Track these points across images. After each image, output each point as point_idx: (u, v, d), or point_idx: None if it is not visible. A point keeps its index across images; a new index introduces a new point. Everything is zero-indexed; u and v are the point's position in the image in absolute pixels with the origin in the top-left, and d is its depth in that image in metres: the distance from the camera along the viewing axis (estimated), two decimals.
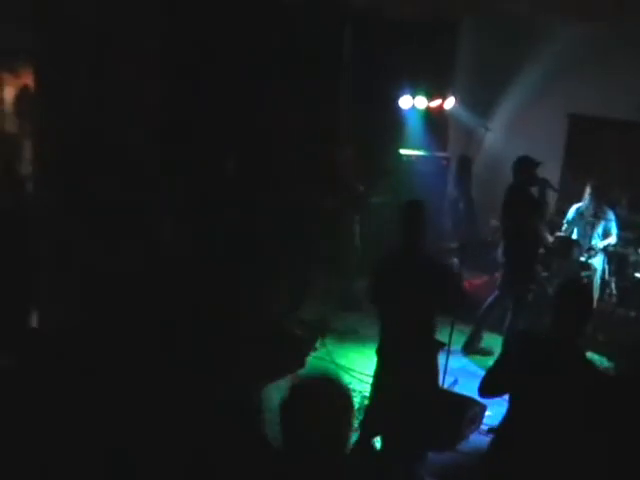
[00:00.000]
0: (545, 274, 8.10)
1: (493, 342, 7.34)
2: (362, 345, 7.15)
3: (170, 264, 5.98)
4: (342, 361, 6.96)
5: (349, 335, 7.56)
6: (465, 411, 5.56)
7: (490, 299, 7.34)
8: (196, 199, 6.85)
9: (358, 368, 6.66)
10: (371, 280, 5.02)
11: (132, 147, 6.37)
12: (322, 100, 8.53)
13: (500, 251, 7.51)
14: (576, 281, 5.21)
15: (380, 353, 4.81)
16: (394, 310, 4.63)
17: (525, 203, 6.97)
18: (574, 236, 8.31)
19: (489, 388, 3.68)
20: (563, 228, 8.39)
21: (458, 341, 6.83)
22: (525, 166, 6.99)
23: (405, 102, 8.90)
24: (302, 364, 6.76)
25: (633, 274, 7.91)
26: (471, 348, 7.27)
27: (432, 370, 4.76)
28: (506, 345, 3.74)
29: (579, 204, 8.27)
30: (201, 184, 7.00)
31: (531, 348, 3.55)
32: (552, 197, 8.50)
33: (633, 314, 7.51)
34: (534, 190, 7.02)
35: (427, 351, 4.67)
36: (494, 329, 7.41)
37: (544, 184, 7.00)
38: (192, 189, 6.88)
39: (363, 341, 7.21)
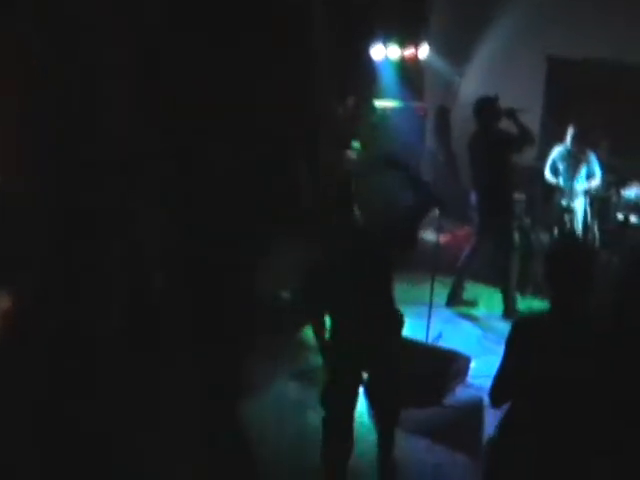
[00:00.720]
0: (528, 221, 8.03)
1: (477, 292, 7.30)
2: None
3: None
4: None
5: None
6: (449, 365, 5.51)
7: (468, 247, 7.24)
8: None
9: None
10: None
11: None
12: (293, 59, 8.34)
13: (473, 197, 7.38)
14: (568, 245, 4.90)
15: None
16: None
17: (495, 142, 6.80)
18: (557, 180, 8.21)
19: (502, 395, 3.21)
20: (546, 171, 8.28)
21: (441, 295, 6.74)
22: (483, 106, 6.82)
23: (377, 52, 8.67)
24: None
25: (615, 216, 7.83)
26: (454, 300, 7.18)
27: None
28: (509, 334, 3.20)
29: (561, 147, 8.16)
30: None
31: (535, 333, 3.14)
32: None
33: (615, 257, 7.43)
34: (509, 125, 6.86)
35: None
36: (477, 278, 7.32)
37: (512, 113, 6.82)
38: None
39: None
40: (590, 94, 9.43)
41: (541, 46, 9.41)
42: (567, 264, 3.09)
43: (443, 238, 7.39)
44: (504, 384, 3.15)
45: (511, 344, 3.12)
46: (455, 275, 7.20)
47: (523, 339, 3.11)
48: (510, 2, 9.33)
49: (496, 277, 7.10)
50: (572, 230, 7.88)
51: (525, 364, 3.05)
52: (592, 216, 8.02)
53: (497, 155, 6.81)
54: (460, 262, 7.17)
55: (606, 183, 8.12)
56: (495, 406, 3.25)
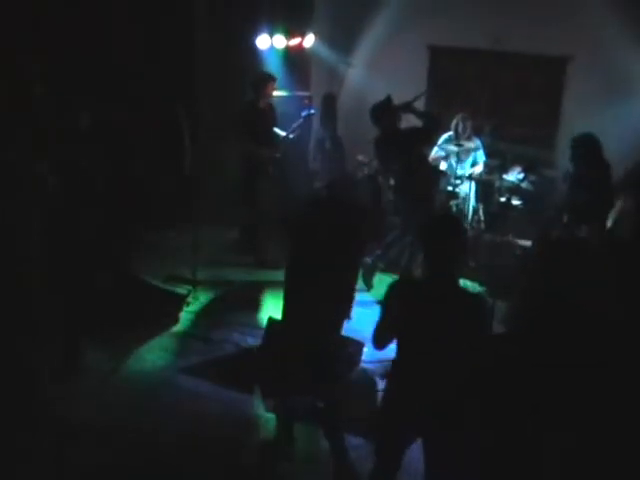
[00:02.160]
0: None
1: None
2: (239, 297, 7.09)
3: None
4: (217, 314, 6.78)
5: (222, 286, 7.36)
6: (342, 351, 5.50)
7: (389, 238, 7.30)
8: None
9: (236, 320, 6.56)
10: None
11: None
12: (177, 49, 8.18)
13: (391, 194, 7.50)
14: (445, 216, 5.20)
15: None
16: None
17: (404, 140, 6.92)
18: (443, 166, 8.38)
19: (380, 340, 3.69)
20: (431, 157, 8.42)
21: None
22: (380, 111, 6.93)
23: (263, 42, 8.57)
24: (176, 320, 6.58)
25: (498, 199, 8.06)
26: (367, 284, 7.28)
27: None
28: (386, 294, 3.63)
29: (447, 134, 8.32)
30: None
31: (408, 292, 3.64)
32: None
33: (499, 239, 7.66)
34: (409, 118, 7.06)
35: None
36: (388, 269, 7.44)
37: (408, 105, 6.94)
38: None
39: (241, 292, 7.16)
40: (471, 81, 9.69)
41: (422, 35, 9.57)
42: (439, 235, 3.50)
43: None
44: (381, 330, 3.66)
45: (386, 301, 3.63)
46: (371, 261, 7.27)
47: (395, 298, 3.61)
48: None
49: (401, 266, 7.24)
50: (459, 214, 8.06)
51: (395, 318, 3.58)
52: (477, 200, 8.23)
53: (409, 153, 6.94)
54: (380, 251, 7.27)
55: (490, 167, 8.35)
56: (377, 348, 3.74)
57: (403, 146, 6.87)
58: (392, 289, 3.66)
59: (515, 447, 2.96)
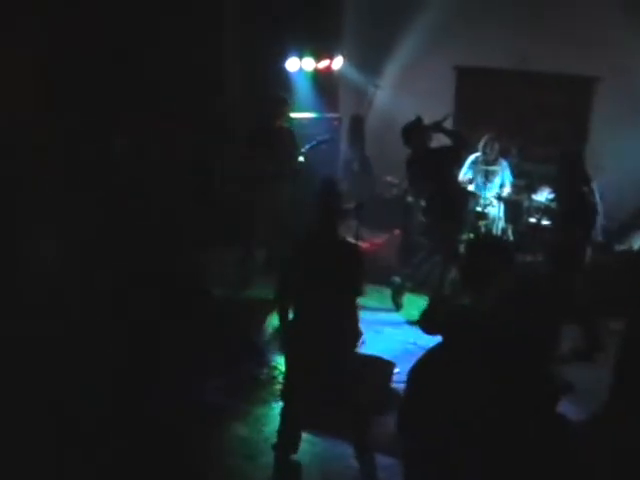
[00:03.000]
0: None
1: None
2: None
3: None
4: None
5: None
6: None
7: (418, 258, 7.34)
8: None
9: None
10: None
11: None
12: (208, 68, 8.29)
13: (421, 214, 7.51)
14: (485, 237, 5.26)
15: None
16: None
17: (436, 160, 6.98)
18: (471, 187, 8.40)
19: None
20: (460, 179, 8.46)
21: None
22: (411, 131, 6.99)
23: (292, 64, 8.69)
24: None
25: (527, 219, 8.07)
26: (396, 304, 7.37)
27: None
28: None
29: (475, 155, 8.35)
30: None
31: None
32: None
33: (529, 258, 7.66)
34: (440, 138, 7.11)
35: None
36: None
37: (438, 125, 6.99)
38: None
39: None
40: (497, 101, 9.73)
41: (449, 57, 9.65)
42: (481, 255, 3.48)
43: (361, 245, 7.44)
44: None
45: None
46: (402, 280, 7.33)
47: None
48: (419, 15, 9.53)
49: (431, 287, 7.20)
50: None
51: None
52: (506, 220, 8.23)
53: (440, 173, 7.00)
54: (410, 271, 7.34)
55: (517, 188, 8.36)
56: (426, 332, 3.76)
57: (434, 166, 6.92)
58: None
59: None
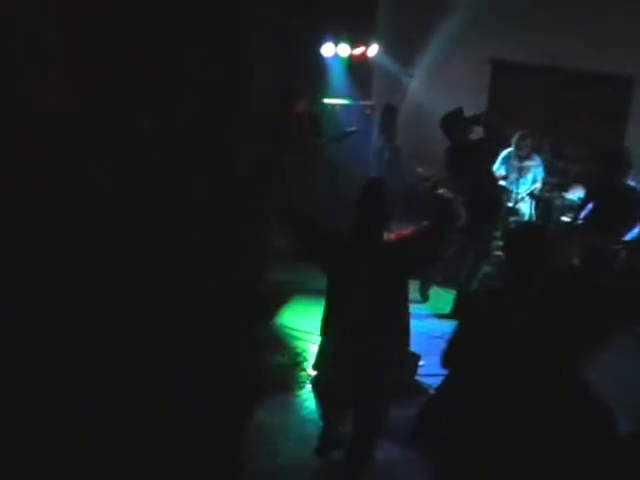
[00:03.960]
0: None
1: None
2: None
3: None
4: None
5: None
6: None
7: (450, 253, 7.24)
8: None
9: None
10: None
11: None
12: (241, 52, 8.23)
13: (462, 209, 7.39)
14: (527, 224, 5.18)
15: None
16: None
17: (474, 152, 6.86)
18: (504, 183, 8.31)
19: (451, 360, 3.36)
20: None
21: None
22: (452, 121, 6.84)
23: (327, 50, 8.63)
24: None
25: (559, 217, 7.96)
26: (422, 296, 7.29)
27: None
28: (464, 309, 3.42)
29: (509, 149, 8.25)
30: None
31: (489, 305, 3.41)
32: None
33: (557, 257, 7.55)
34: (478, 131, 6.98)
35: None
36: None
37: (477, 118, 6.88)
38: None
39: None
40: (533, 97, 9.61)
41: (485, 49, 9.54)
42: (523, 242, 3.44)
43: (390, 237, 7.38)
44: (452, 349, 3.30)
45: (460, 313, 3.42)
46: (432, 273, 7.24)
47: (472, 309, 3.43)
48: (457, 5, 9.42)
49: (459, 281, 7.09)
50: None
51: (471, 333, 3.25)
52: (537, 218, 8.14)
53: (478, 166, 6.91)
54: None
55: (549, 185, 8.25)
56: (446, 367, 3.34)
57: (474, 160, 6.83)
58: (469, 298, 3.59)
59: None
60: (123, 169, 6.39)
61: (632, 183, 6.39)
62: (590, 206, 6.51)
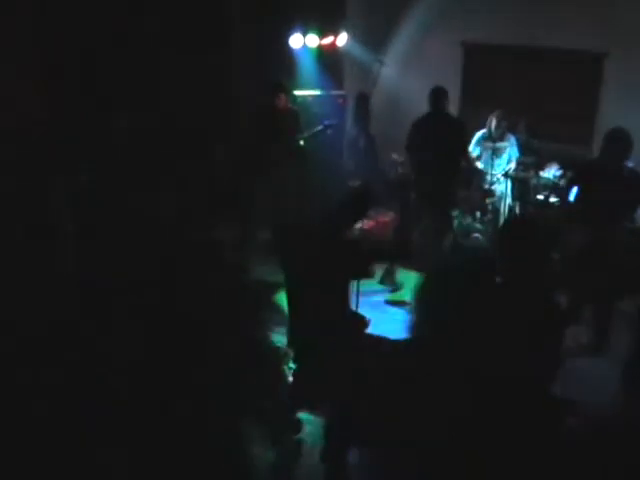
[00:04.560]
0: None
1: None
2: None
3: None
4: None
5: None
6: None
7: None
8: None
9: None
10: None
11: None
12: (210, 47, 8.19)
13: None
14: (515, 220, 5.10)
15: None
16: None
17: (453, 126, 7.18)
18: (480, 164, 8.32)
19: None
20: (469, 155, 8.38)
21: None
22: (441, 93, 7.18)
23: (296, 41, 8.58)
24: None
25: (535, 197, 7.98)
26: (387, 279, 7.29)
27: None
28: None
29: (483, 130, 8.25)
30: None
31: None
32: None
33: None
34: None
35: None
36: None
37: None
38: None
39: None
40: (505, 78, 9.62)
41: (456, 32, 9.53)
42: (518, 236, 3.38)
43: (367, 224, 7.37)
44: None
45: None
46: None
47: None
48: None
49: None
50: (495, 212, 8.00)
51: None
52: (513, 198, 8.14)
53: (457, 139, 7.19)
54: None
55: (525, 165, 8.26)
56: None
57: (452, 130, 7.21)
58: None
59: None
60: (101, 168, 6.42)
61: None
62: (578, 189, 6.29)
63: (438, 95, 7.21)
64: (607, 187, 5.73)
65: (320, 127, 7.80)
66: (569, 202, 6.36)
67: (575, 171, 6.48)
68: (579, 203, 6.13)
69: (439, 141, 7.06)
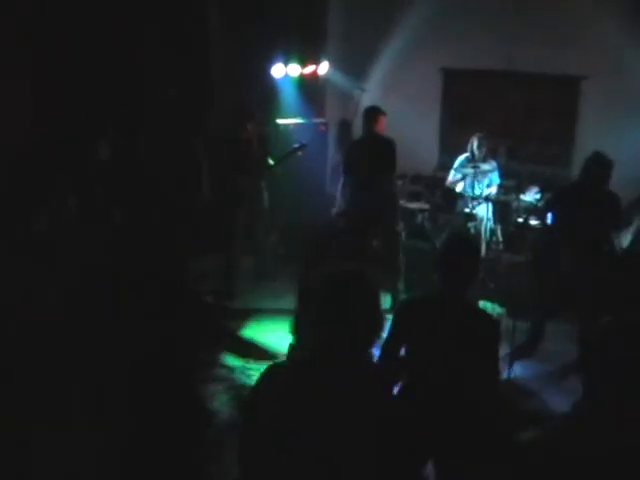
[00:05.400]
0: (431, 228, 8.21)
1: None
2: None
3: None
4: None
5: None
6: None
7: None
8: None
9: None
10: None
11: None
12: (192, 75, 8.27)
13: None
14: (460, 236, 5.16)
15: None
16: None
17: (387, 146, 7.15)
18: (460, 188, 8.41)
19: (387, 358, 3.52)
20: (449, 180, 8.48)
21: None
22: (378, 113, 7.19)
23: (277, 71, 8.69)
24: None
25: (516, 219, 8.07)
26: None
27: None
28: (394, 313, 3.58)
29: (464, 155, 8.34)
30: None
31: (418, 312, 3.56)
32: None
33: (519, 258, 7.66)
34: None
35: None
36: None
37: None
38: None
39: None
40: (485, 102, 9.76)
41: (435, 58, 9.68)
42: (456, 254, 3.48)
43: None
44: (388, 349, 3.51)
45: (395, 319, 3.52)
46: None
47: (404, 317, 3.54)
48: (404, 18, 9.56)
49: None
50: (477, 235, 8.08)
51: (404, 338, 3.50)
52: (495, 221, 8.23)
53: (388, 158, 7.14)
54: None
55: (506, 188, 8.36)
56: (383, 364, 3.49)
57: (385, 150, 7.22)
58: (404, 306, 3.71)
59: None
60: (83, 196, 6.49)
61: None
62: (557, 211, 6.30)
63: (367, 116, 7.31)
64: (587, 209, 5.79)
65: (291, 149, 7.70)
66: (547, 225, 6.47)
67: (555, 194, 6.56)
68: (559, 225, 6.21)
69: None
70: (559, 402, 5.21)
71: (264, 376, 2.51)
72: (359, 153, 7.25)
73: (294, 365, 2.69)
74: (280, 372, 2.55)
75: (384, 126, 7.30)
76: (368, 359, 2.62)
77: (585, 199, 5.85)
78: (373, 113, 7.28)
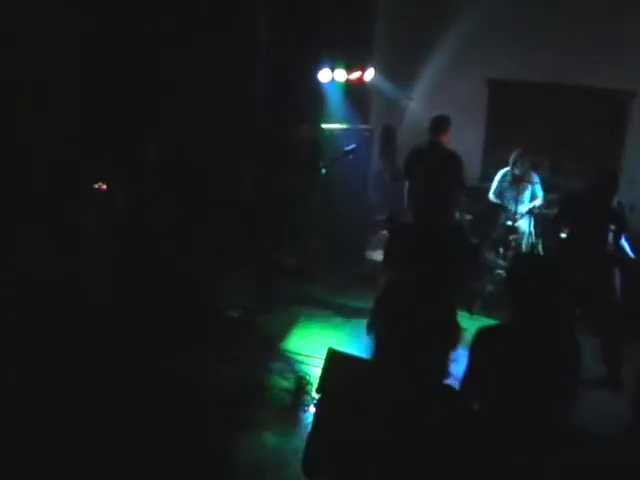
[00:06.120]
0: (475, 241, 8.17)
1: None
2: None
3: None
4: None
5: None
6: None
7: None
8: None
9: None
10: None
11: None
12: (241, 79, 8.34)
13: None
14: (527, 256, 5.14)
15: None
16: None
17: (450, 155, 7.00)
18: (502, 200, 8.37)
19: (469, 394, 3.30)
20: (491, 193, 8.46)
21: None
22: (447, 123, 6.99)
23: (324, 75, 8.72)
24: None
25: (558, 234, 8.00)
26: None
27: None
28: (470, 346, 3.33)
29: (506, 169, 8.31)
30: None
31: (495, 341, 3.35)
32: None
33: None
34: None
35: None
36: None
37: None
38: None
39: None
40: (531, 115, 9.68)
41: (481, 69, 9.64)
42: (532, 277, 3.28)
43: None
44: (468, 385, 3.27)
45: (472, 350, 3.30)
46: None
47: (483, 346, 3.30)
48: (453, 27, 9.53)
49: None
50: (518, 248, 8.03)
51: (485, 369, 3.28)
52: (536, 235, 8.17)
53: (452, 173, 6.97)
54: None
55: (548, 202, 8.30)
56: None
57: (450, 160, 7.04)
58: (480, 336, 3.37)
59: None
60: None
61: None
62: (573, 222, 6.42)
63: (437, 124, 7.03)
64: (595, 220, 5.99)
65: (340, 153, 7.64)
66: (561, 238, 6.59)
67: (563, 204, 6.68)
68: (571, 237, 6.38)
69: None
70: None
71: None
72: (421, 161, 7.06)
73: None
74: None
75: (450, 138, 7.04)
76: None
77: (593, 210, 6.05)
78: (444, 123, 6.99)
